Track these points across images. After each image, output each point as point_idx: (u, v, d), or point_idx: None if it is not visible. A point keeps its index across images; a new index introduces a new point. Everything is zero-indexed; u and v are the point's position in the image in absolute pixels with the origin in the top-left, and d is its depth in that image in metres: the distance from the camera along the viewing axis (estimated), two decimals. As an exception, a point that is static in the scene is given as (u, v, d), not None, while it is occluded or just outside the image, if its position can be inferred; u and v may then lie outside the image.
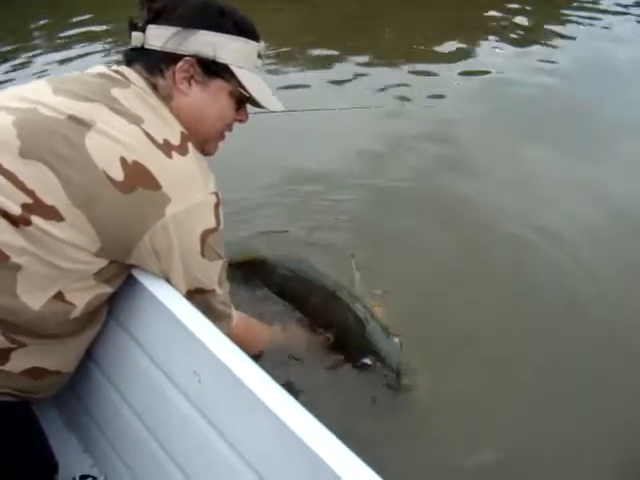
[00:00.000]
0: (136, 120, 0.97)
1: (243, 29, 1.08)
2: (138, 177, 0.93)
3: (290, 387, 1.17)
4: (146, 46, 1.06)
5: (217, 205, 1.02)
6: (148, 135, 0.96)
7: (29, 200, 0.90)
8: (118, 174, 0.92)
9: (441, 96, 3.51)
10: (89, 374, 1.22)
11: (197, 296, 1.05)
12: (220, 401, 0.93)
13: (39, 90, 1.01)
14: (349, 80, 3.71)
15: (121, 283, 1.05)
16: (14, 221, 0.90)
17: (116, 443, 1.24)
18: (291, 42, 4.40)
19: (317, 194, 2.40)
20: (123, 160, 0.93)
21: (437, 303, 1.81)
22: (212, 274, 1.07)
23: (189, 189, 0.97)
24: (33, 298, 0.93)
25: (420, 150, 2.81)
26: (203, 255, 1.02)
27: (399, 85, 3.61)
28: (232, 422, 0.91)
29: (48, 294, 0.94)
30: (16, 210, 0.90)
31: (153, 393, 1.08)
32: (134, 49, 1.08)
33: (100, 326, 1.10)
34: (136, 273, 1.05)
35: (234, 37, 1.07)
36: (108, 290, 1.02)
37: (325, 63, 4.03)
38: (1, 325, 0.92)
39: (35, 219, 0.90)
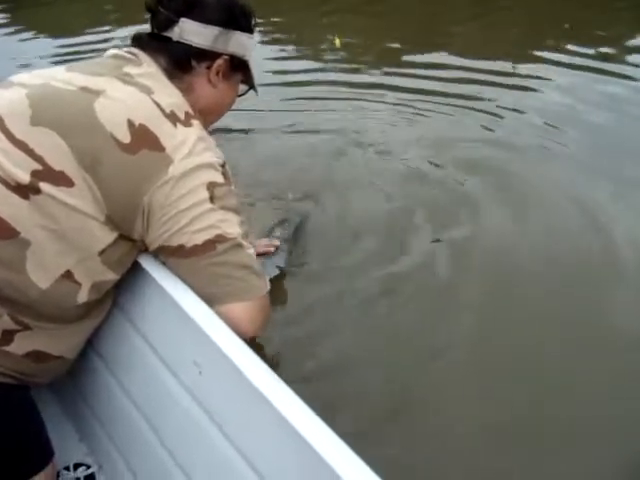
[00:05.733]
0: (146, 90, 1.00)
1: (254, 26, 1.18)
2: (144, 139, 0.95)
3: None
4: (182, 40, 1.08)
5: (223, 166, 1.02)
6: (156, 103, 0.99)
7: (39, 166, 0.91)
8: (124, 136, 0.93)
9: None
10: (89, 362, 1.21)
11: (220, 246, 0.98)
12: (221, 394, 0.92)
13: (53, 70, 1.05)
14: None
15: (125, 271, 1.04)
16: (24, 193, 0.90)
17: (113, 433, 1.23)
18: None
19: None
20: (130, 122, 0.94)
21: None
22: (230, 223, 1.00)
23: (193, 153, 0.97)
24: (41, 276, 0.92)
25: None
26: (212, 202, 0.97)
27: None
28: (233, 417, 0.90)
29: (57, 272, 0.93)
30: (25, 178, 0.90)
31: (153, 383, 1.07)
32: (152, 35, 1.09)
33: (105, 313, 1.09)
34: (142, 261, 1.04)
35: (251, 35, 1.17)
36: (113, 276, 1.01)
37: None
38: (8, 305, 0.92)
39: (44, 186, 0.91)
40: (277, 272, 1.81)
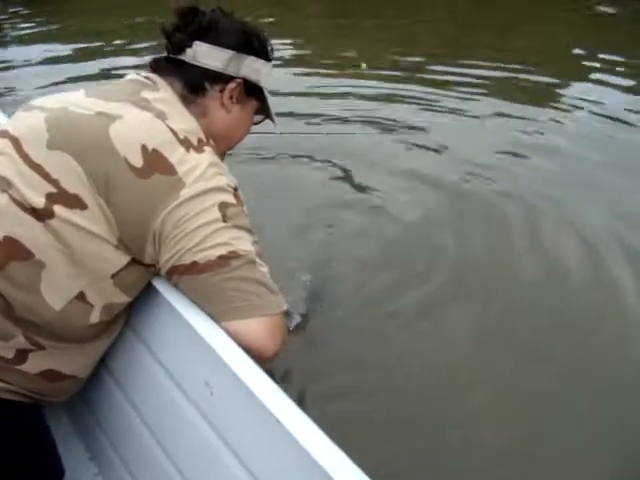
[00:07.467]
0: (161, 116, 1.01)
1: (271, 54, 1.19)
2: (156, 164, 0.95)
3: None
4: (195, 63, 1.09)
5: (236, 190, 1.02)
6: (171, 129, 1.00)
7: (53, 189, 0.93)
8: (137, 160, 0.94)
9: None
10: (101, 381, 1.21)
11: (234, 262, 0.96)
12: (232, 416, 0.92)
13: (73, 94, 1.07)
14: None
15: (138, 293, 1.05)
16: (39, 215, 0.92)
17: (123, 453, 1.23)
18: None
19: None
20: (144, 147, 0.95)
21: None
22: (243, 241, 0.98)
23: (204, 177, 0.97)
24: (55, 297, 0.94)
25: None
26: (225, 221, 0.96)
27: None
28: (244, 438, 0.90)
29: (70, 294, 0.94)
30: (40, 201, 0.92)
31: (164, 404, 1.07)
32: (168, 59, 1.11)
33: (117, 334, 1.10)
34: (156, 282, 1.05)
35: (267, 62, 1.18)
36: (125, 298, 1.02)
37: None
38: (23, 325, 0.93)
39: (58, 209, 0.92)
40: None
